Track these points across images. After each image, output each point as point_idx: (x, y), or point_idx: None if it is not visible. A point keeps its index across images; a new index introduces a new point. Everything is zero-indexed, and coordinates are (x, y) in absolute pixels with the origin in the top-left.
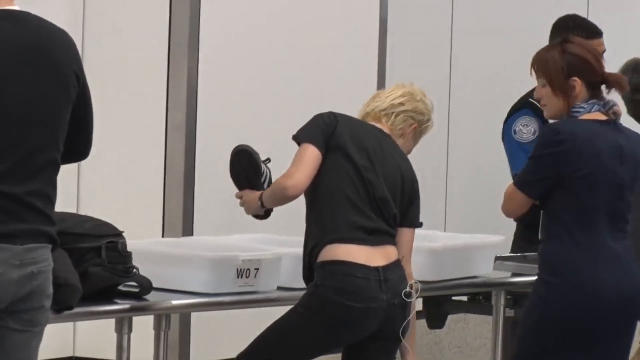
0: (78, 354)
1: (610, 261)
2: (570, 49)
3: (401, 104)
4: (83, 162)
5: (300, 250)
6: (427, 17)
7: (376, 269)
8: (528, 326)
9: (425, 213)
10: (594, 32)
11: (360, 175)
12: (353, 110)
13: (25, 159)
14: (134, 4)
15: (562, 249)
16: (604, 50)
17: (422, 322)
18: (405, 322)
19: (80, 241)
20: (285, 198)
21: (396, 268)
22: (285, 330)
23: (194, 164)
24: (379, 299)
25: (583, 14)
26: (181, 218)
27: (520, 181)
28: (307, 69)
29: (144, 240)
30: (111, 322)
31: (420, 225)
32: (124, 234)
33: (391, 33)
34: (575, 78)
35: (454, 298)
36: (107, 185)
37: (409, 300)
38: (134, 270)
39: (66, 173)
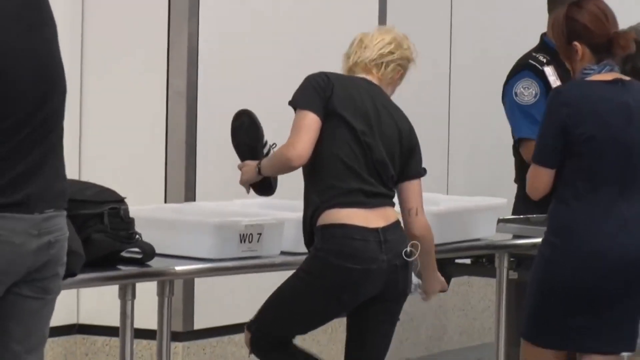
0: (82, 321)
1: (616, 225)
2: (572, 13)
3: (391, 52)
4: (85, 129)
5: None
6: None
7: (375, 230)
8: (533, 286)
9: (427, 176)
10: None
11: (358, 140)
12: None
13: (42, 118)
14: None
15: (568, 211)
16: None
17: None
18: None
19: (82, 207)
20: (289, 169)
21: (396, 229)
22: (288, 296)
23: (196, 129)
24: (379, 260)
25: None
26: (183, 184)
27: (537, 156)
28: (309, 30)
29: (147, 207)
30: (114, 289)
31: (424, 172)
32: (126, 200)
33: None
34: (577, 43)
35: (457, 261)
36: (109, 151)
37: (410, 259)
38: (137, 236)
39: (68, 140)
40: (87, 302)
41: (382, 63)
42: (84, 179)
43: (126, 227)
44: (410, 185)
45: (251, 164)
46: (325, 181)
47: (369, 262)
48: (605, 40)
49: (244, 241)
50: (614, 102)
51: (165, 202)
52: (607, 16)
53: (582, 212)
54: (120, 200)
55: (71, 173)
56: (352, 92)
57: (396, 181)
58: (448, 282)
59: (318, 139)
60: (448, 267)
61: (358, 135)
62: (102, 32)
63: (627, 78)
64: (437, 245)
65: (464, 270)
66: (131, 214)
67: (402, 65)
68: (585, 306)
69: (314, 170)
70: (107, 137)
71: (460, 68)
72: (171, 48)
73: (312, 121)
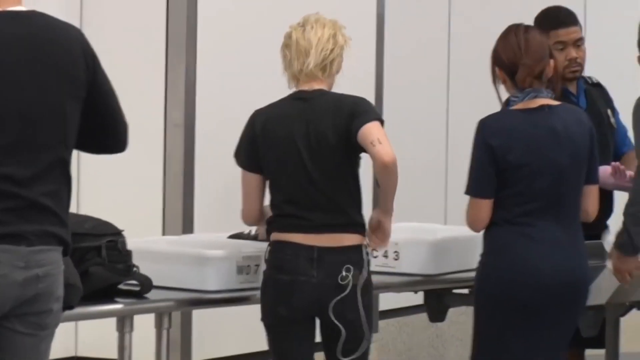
0: (80, 354)
1: (549, 246)
2: (498, 39)
3: (332, 50)
4: (83, 162)
5: None
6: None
7: (310, 247)
8: (475, 309)
9: (425, 206)
10: (559, 22)
11: (301, 181)
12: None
13: (30, 158)
14: (131, 1)
15: (502, 232)
16: (578, 38)
17: (424, 316)
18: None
19: (80, 241)
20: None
21: (342, 253)
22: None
23: (193, 161)
24: (309, 274)
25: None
26: (181, 216)
27: (474, 189)
28: None
29: (144, 239)
30: (113, 321)
31: (375, 115)
32: (123, 233)
33: (389, 29)
34: (497, 68)
35: (454, 291)
36: (107, 184)
37: (342, 282)
38: (135, 269)
39: None
40: (85, 334)
41: (326, 65)
42: (82, 212)
43: (124, 259)
44: (365, 129)
45: None
46: (274, 213)
47: (296, 274)
48: (517, 70)
49: (242, 272)
50: (542, 129)
51: (163, 234)
52: (526, 46)
53: (516, 234)
54: (118, 233)
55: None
56: (278, 129)
57: (354, 141)
58: (446, 312)
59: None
60: (446, 297)
61: (294, 170)
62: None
63: (554, 103)
64: (434, 275)
65: (462, 300)
66: (129, 247)
67: (342, 54)
68: (523, 323)
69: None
70: (105, 170)
71: (458, 97)
72: (169, 80)
73: (250, 181)
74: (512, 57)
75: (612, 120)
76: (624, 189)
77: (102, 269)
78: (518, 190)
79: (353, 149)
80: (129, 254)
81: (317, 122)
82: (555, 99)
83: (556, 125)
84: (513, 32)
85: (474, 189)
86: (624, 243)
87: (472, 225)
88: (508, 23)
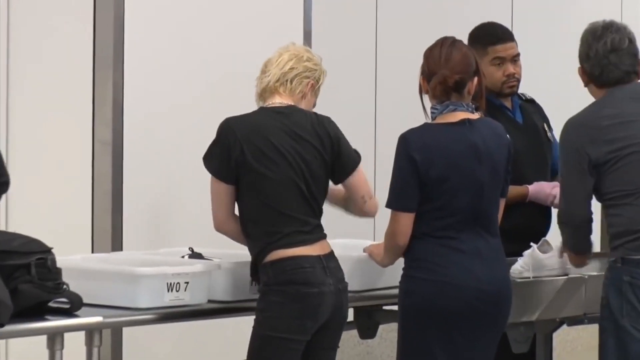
0: None
1: (471, 258)
2: (426, 50)
3: (291, 68)
4: (12, 179)
5: (228, 263)
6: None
7: (319, 257)
8: (399, 320)
9: (354, 222)
10: (497, 38)
11: (285, 185)
12: None
13: None
14: (57, 17)
15: (424, 245)
16: (515, 54)
17: (354, 333)
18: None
19: (8, 258)
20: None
21: (333, 257)
22: (257, 346)
23: (122, 179)
24: (327, 283)
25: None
26: (110, 234)
27: (396, 202)
28: (233, 79)
29: (74, 257)
30: (43, 339)
31: (359, 158)
32: (53, 251)
33: (316, 45)
34: (420, 76)
35: (384, 307)
36: (35, 201)
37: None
38: (64, 286)
39: None
40: (15, 352)
41: (286, 80)
42: (11, 229)
43: (54, 277)
44: (352, 179)
45: None
46: (265, 228)
47: (320, 285)
48: (438, 81)
49: (171, 290)
50: (462, 143)
51: (93, 251)
52: (447, 57)
53: (437, 246)
54: (47, 251)
55: None
56: (262, 139)
57: (337, 181)
58: (376, 328)
59: (246, 192)
60: (376, 313)
61: (283, 181)
62: (28, 81)
63: (475, 116)
64: (363, 291)
65: (392, 316)
66: (58, 264)
67: (308, 76)
68: (446, 336)
69: (250, 221)
70: (34, 187)
71: (385, 117)
72: (96, 97)
73: (219, 190)
74: (433, 67)
75: (549, 134)
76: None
77: (31, 286)
78: (439, 204)
79: (333, 170)
80: (58, 271)
81: (300, 136)
82: (490, 114)
83: (476, 140)
84: (439, 44)
85: (396, 202)
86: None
87: (394, 238)
88: (434, 40)
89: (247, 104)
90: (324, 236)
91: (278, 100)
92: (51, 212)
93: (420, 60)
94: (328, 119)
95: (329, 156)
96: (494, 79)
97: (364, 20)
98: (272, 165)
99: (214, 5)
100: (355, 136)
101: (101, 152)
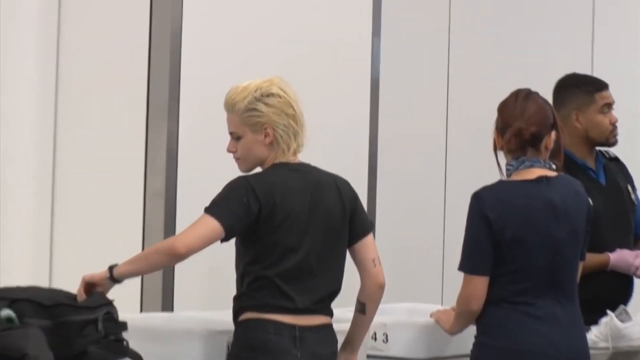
0: None
1: (548, 325)
2: (500, 104)
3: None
4: (56, 230)
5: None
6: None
7: (292, 326)
8: None
9: (421, 287)
10: (602, 84)
11: (297, 264)
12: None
13: None
14: (110, 63)
15: (498, 311)
16: (612, 102)
17: None
18: None
19: (75, 313)
20: (167, 259)
21: (319, 332)
22: None
23: (175, 232)
24: (292, 354)
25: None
26: (160, 290)
27: (469, 265)
28: None
29: (135, 315)
30: None
31: (372, 226)
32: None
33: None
34: (495, 130)
35: None
36: (83, 255)
37: None
38: (125, 343)
39: (40, 238)
40: None
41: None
42: (58, 282)
43: (119, 330)
44: (365, 241)
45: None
46: (256, 297)
47: (280, 355)
48: (512, 134)
49: None
50: (539, 201)
51: (141, 310)
52: (522, 109)
53: (512, 312)
54: (110, 303)
55: (42, 278)
56: (291, 208)
57: (349, 244)
58: None
59: (252, 254)
60: None
61: (296, 257)
62: (78, 128)
63: (552, 174)
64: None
65: None
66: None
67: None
68: None
69: (243, 283)
70: (82, 240)
71: (456, 159)
72: (149, 144)
73: (214, 231)
74: (508, 119)
75: (633, 196)
76: None
77: (98, 347)
78: (514, 267)
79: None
80: (124, 325)
81: (322, 197)
82: (572, 174)
83: (554, 197)
84: (514, 96)
85: (470, 264)
86: None
87: (467, 304)
88: (505, 87)
89: (303, 156)
90: (322, 313)
91: (292, 159)
92: (100, 266)
93: (493, 115)
94: (348, 184)
95: (347, 215)
96: (603, 128)
97: (436, 70)
98: (289, 236)
99: (273, 49)
100: (424, 195)
101: (153, 203)
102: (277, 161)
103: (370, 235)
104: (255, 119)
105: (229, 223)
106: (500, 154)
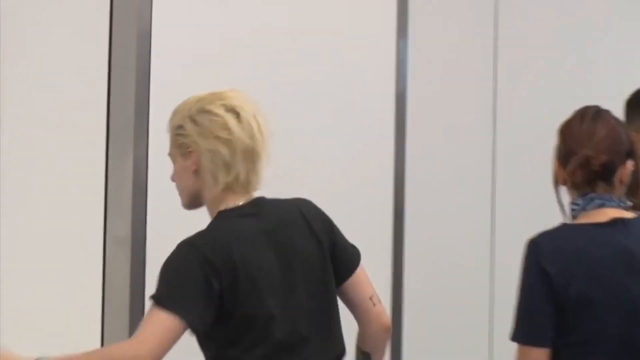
0: None
1: None
2: (560, 126)
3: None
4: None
5: None
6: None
7: None
8: None
9: (467, 349)
10: None
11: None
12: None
13: None
14: (60, 71)
15: None
16: None
17: None
18: None
19: None
20: None
21: None
22: None
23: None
24: None
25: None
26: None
27: (524, 335)
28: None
29: None
30: None
31: (359, 256)
32: None
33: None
34: (556, 161)
35: None
36: (29, 317)
37: None
38: None
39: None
40: None
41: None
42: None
43: None
44: (356, 278)
45: None
46: None
47: None
48: (577, 164)
49: None
50: (612, 251)
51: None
52: (590, 132)
53: None
54: None
55: None
56: (256, 265)
57: (337, 285)
58: None
59: (223, 336)
60: None
61: (279, 326)
62: (19, 160)
63: (629, 215)
64: None
65: None
66: None
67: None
68: None
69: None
70: (29, 296)
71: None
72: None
73: (172, 326)
74: (572, 145)
75: None
76: None
77: None
78: (580, 338)
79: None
80: None
81: (291, 240)
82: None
83: (632, 246)
84: (579, 116)
85: (525, 334)
86: None
87: None
88: (567, 103)
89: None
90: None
91: (242, 200)
92: (47, 334)
93: (553, 138)
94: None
95: (329, 250)
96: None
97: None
98: (275, 293)
99: (272, 54)
100: (469, 240)
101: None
102: (222, 207)
103: (361, 268)
104: (181, 139)
105: (194, 317)
106: (563, 190)
